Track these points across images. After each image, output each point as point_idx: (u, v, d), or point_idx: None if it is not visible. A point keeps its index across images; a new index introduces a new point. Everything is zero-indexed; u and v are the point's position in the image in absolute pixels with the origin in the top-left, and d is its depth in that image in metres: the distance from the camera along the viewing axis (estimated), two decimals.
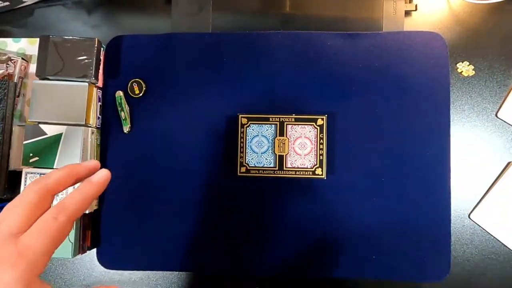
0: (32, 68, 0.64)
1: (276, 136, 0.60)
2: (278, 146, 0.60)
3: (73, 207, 0.34)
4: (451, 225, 0.59)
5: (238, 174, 0.60)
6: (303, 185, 0.61)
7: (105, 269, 0.63)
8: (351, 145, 0.61)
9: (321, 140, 0.59)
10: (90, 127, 0.61)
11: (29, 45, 0.65)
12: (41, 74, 0.59)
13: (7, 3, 0.66)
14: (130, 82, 0.63)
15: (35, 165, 0.58)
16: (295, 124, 0.60)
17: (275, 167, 0.60)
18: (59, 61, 0.59)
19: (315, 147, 0.60)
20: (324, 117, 0.60)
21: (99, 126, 0.63)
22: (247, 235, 0.61)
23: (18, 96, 0.63)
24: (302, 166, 0.60)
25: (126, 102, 0.63)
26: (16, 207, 0.33)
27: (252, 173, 0.60)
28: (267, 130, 0.60)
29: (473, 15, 0.63)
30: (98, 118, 0.63)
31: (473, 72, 0.62)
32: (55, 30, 0.68)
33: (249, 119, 0.60)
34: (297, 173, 0.60)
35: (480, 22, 0.63)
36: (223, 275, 0.64)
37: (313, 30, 0.63)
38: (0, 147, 0.58)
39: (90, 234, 0.62)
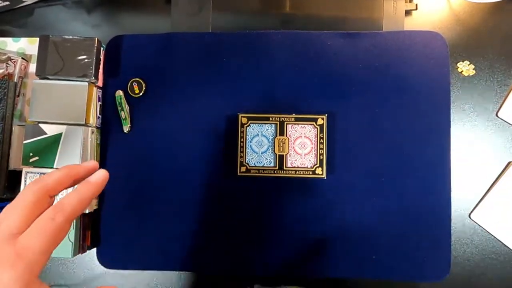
0: (32, 67, 0.64)
1: (276, 136, 0.60)
2: (278, 146, 0.60)
3: (71, 207, 0.35)
4: (451, 225, 0.59)
5: (238, 174, 0.60)
6: (303, 185, 0.61)
7: (105, 269, 0.63)
8: (351, 145, 0.61)
9: (321, 140, 0.59)
10: (90, 126, 0.61)
11: (29, 45, 0.65)
12: (41, 73, 0.59)
13: (7, 3, 0.66)
14: (130, 82, 0.63)
15: (35, 164, 0.58)
16: (295, 124, 0.60)
17: (275, 167, 0.60)
18: (59, 60, 0.59)
19: (315, 147, 0.59)
20: (324, 117, 0.59)
21: (99, 126, 0.63)
22: (247, 235, 0.61)
23: (18, 96, 0.63)
24: (302, 166, 0.60)
25: (126, 102, 0.63)
26: (15, 208, 0.33)
27: (252, 173, 0.60)
28: (267, 129, 0.60)
29: (474, 15, 0.63)
30: (98, 117, 0.63)
31: (474, 71, 0.62)
32: (55, 30, 0.68)
33: (249, 118, 0.60)
34: (297, 172, 0.60)
35: (480, 21, 0.63)
36: (223, 275, 0.64)
37: (313, 29, 0.63)
38: (0, 147, 0.58)
39: (90, 234, 0.62)
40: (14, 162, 0.61)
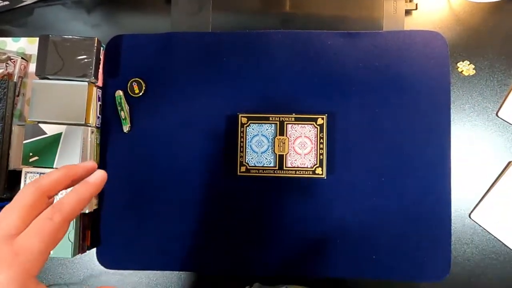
0: (32, 67, 0.64)
1: (276, 136, 0.60)
2: (278, 146, 0.60)
3: (69, 208, 0.35)
4: (452, 224, 0.59)
5: (238, 173, 0.60)
6: (303, 184, 0.61)
7: (105, 269, 0.63)
8: (351, 145, 0.61)
9: (321, 140, 0.59)
10: (90, 126, 0.60)
11: (29, 45, 0.65)
12: (41, 73, 0.59)
13: (6, 3, 0.66)
14: (130, 82, 0.63)
15: (34, 164, 0.58)
16: (295, 124, 0.60)
17: (275, 167, 0.60)
18: (59, 60, 0.59)
19: (315, 147, 0.59)
20: (324, 117, 0.59)
21: (99, 126, 0.63)
22: (247, 235, 0.61)
23: (18, 96, 0.63)
24: (302, 166, 0.60)
25: (126, 102, 0.63)
26: (13, 208, 0.33)
27: (252, 173, 0.60)
28: (267, 129, 0.60)
29: (474, 15, 0.63)
30: (98, 117, 0.63)
31: (474, 71, 0.62)
32: (54, 30, 0.68)
33: (249, 118, 0.60)
34: (297, 172, 0.60)
35: (480, 21, 0.63)
36: (223, 275, 0.63)
37: (313, 29, 0.63)
38: (0, 147, 0.58)
39: (90, 234, 0.62)
40: (14, 162, 0.61)
